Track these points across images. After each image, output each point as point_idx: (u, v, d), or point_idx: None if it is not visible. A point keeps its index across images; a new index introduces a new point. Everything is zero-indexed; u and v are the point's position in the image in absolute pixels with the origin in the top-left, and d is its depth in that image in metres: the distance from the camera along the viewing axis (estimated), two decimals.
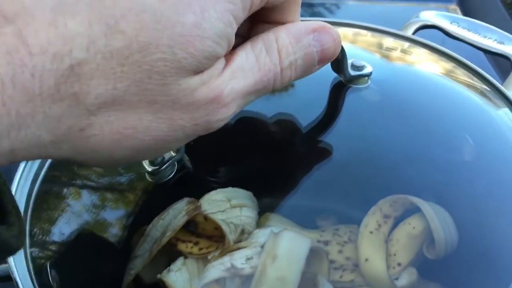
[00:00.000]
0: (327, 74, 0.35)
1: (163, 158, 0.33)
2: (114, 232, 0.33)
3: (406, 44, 0.42)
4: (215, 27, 0.24)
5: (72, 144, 0.24)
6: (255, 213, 0.31)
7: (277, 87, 0.28)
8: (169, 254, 0.30)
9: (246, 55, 0.27)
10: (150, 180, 0.34)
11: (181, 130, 0.26)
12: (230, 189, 0.32)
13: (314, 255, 0.29)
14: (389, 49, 0.41)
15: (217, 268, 0.29)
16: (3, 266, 0.31)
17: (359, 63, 0.37)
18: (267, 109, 0.35)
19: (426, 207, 0.31)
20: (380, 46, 0.42)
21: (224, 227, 0.30)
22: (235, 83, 0.26)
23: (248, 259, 0.29)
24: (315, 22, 0.30)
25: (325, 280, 0.29)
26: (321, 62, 0.30)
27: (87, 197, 0.34)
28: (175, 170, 0.34)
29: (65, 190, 0.35)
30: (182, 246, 0.30)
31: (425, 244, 0.30)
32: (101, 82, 0.23)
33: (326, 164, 0.34)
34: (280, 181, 0.33)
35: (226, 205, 0.31)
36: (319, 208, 0.33)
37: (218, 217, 0.30)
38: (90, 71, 0.23)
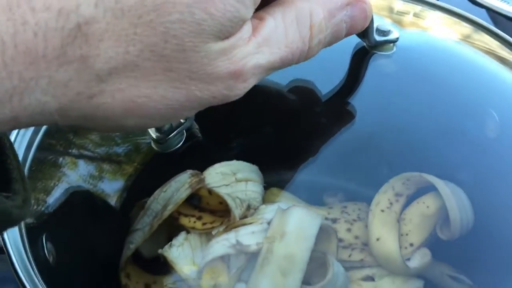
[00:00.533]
0: (349, 39, 0.32)
1: (171, 125, 0.31)
2: (113, 204, 0.31)
3: (418, 8, 0.40)
4: None
5: (81, 112, 0.22)
6: (261, 188, 0.30)
7: (300, 62, 0.27)
8: (170, 228, 0.29)
9: (276, 25, 0.25)
10: (155, 149, 0.32)
11: (197, 101, 0.24)
12: (235, 162, 0.31)
13: (322, 233, 0.28)
14: (401, 13, 0.39)
15: (222, 244, 0.27)
16: None
17: (385, 27, 0.34)
18: (282, 76, 0.33)
19: (442, 185, 0.29)
20: (391, 10, 0.39)
21: (230, 201, 0.28)
22: (259, 58, 0.24)
23: (254, 235, 0.27)
24: None
25: (336, 260, 0.28)
26: (347, 35, 0.29)
27: (84, 167, 0.33)
28: (183, 139, 0.32)
29: (61, 159, 0.34)
30: (184, 221, 0.29)
31: (439, 224, 0.29)
32: (111, 44, 0.21)
33: (338, 137, 0.32)
34: (288, 155, 0.32)
35: (231, 179, 0.30)
36: (328, 184, 0.31)
37: (222, 191, 0.29)
38: (99, 31, 0.21)
